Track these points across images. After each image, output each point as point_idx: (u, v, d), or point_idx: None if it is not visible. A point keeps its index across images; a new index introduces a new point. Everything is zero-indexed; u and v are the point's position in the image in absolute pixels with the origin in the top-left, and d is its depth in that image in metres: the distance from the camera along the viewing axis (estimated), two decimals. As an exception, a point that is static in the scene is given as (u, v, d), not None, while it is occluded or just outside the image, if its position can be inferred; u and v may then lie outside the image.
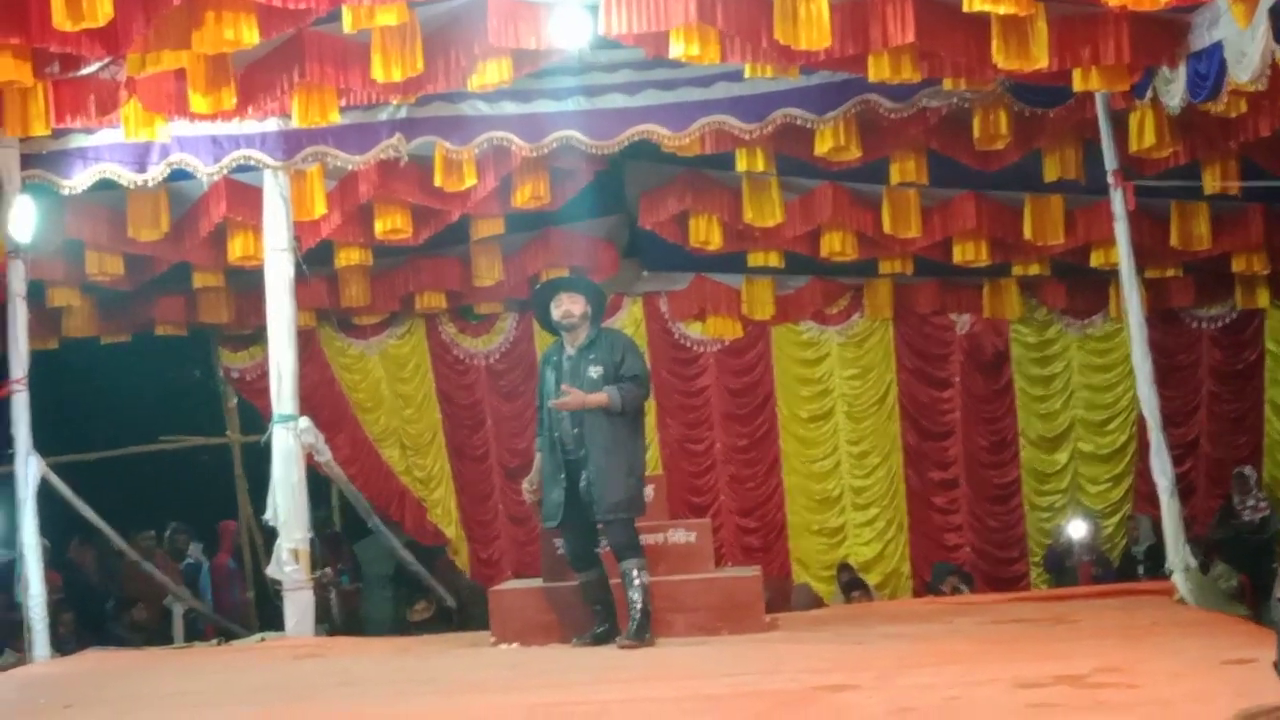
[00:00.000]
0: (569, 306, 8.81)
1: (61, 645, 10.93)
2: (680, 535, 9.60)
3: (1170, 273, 13.66)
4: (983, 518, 14.62)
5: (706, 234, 12.94)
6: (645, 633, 8.55)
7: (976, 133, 10.98)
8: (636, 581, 8.61)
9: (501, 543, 14.69)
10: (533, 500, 9.09)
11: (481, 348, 14.69)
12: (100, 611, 13.36)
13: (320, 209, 11.22)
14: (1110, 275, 12.79)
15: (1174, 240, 12.70)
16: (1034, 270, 13.86)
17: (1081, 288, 14.17)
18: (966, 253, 13.10)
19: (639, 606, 8.58)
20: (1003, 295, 14.26)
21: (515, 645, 9.08)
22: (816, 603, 12.88)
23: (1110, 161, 10.00)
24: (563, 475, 8.66)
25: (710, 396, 14.68)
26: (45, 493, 10.65)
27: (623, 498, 8.60)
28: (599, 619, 8.76)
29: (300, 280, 11.10)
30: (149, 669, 9.40)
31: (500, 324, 14.69)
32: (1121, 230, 10.04)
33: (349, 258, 12.75)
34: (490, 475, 14.74)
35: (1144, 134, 10.11)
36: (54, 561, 12.27)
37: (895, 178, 11.91)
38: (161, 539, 14.46)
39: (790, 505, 14.68)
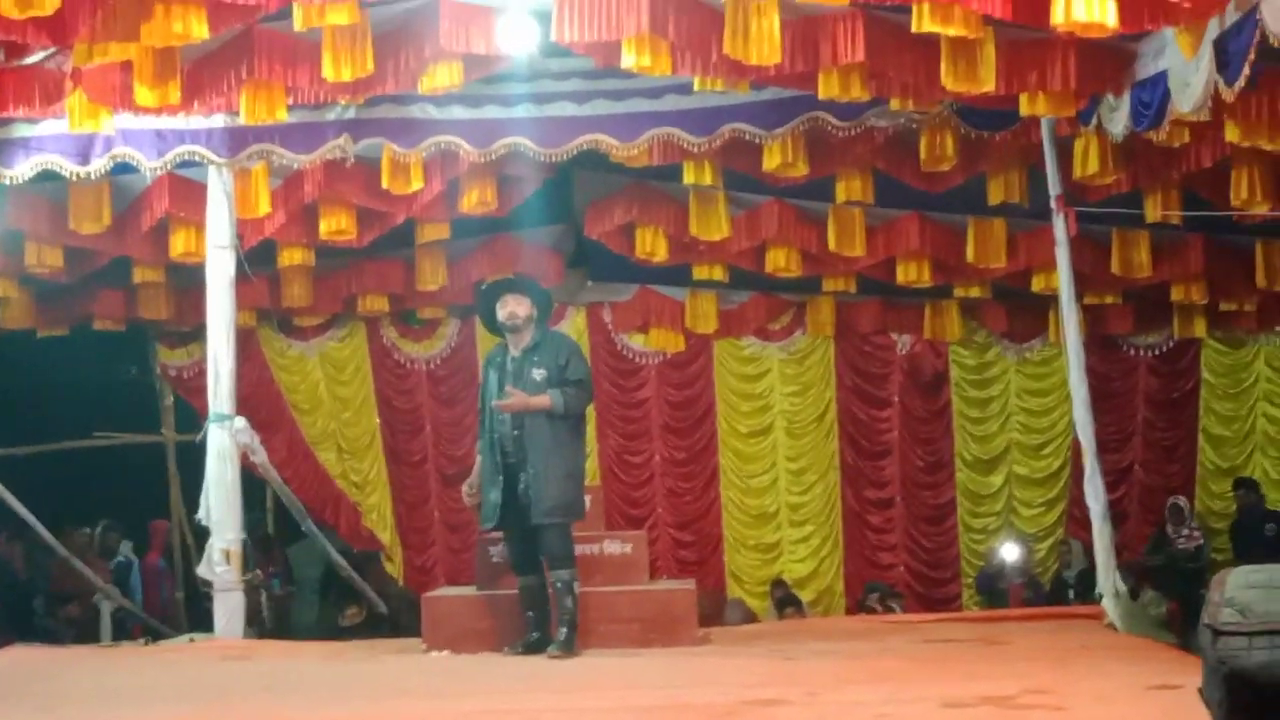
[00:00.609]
0: (514, 308, 8.78)
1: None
2: (615, 546, 9.57)
3: (1110, 299, 13.77)
4: (917, 538, 14.69)
5: (652, 246, 12.95)
6: (573, 643, 8.53)
7: (923, 154, 11.03)
8: (567, 592, 8.59)
9: (437, 549, 14.64)
10: (471, 503, 9.06)
11: (423, 352, 14.64)
12: (27, 607, 13.19)
13: (264, 207, 11.14)
14: (1050, 300, 12.89)
15: (1114, 267, 12.80)
16: (975, 293, 13.95)
17: (1021, 311, 14.27)
18: (909, 273, 13.18)
19: (569, 617, 8.56)
20: (943, 317, 14.35)
21: (446, 652, 9.02)
22: (750, 618, 12.90)
23: (1054, 187, 10.10)
24: (501, 477, 8.63)
25: (651, 409, 14.69)
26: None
27: (560, 501, 8.57)
28: (531, 625, 8.73)
29: (241, 279, 10.99)
30: (74, 666, 9.27)
31: (442, 329, 14.65)
32: (1063, 255, 10.12)
33: (292, 257, 12.68)
34: (427, 481, 14.69)
35: (1088, 160, 10.20)
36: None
37: (841, 196, 11.95)
38: (94, 536, 14.30)
39: (726, 520, 14.71)
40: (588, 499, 9.26)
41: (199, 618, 12.41)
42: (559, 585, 8.61)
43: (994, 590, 14.07)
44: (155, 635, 11.92)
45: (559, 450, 8.62)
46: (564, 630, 8.54)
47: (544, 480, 8.52)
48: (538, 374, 8.64)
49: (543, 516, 8.54)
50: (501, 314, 8.80)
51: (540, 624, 8.70)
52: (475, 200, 11.80)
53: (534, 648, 8.63)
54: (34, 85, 9.21)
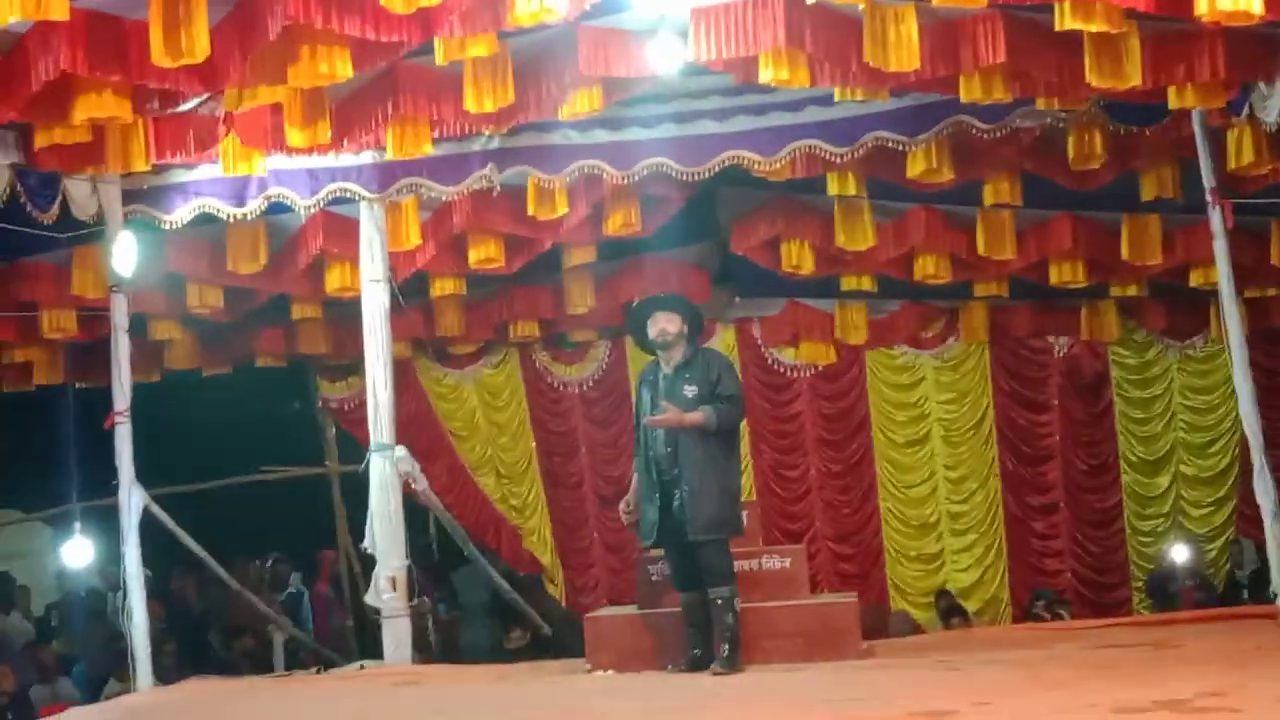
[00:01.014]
0: (665, 325, 8.81)
1: (164, 675, 11.07)
2: (774, 562, 9.55)
3: (1271, 292, 13.42)
4: (1083, 543, 14.44)
5: (798, 258, 12.91)
6: (736, 660, 8.52)
7: (1071, 152, 10.87)
8: (727, 609, 8.58)
9: (597, 570, 14.72)
10: (629, 521, 9.09)
11: (575, 375, 14.76)
12: (202, 641, 13.52)
13: (415, 239, 11.32)
14: (1210, 295, 12.56)
15: (1274, 258, 12.46)
16: (1132, 291, 13.70)
17: (1181, 308, 13.98)
18: (1063, 274, 12.97)
19: (730, 634, 8.55)
20: (1101, 317, 14.10)
21: (610, 672, 9.07)
22: (914, 629, 12.79)
23: (1208, 179, 9.87)
24: (657, 495, 8.65)
25: (804, 422, 14.63)
26: (148, 523, 10.78)
27: (715, 517, 8.55)
28: (693, 642, 8.73)
29: (396, 311, 11.19)
30: (250, 697, 9.50)
31: (593, 351, 14.75)
32: (1220, 249, 9.90)
33: (443, 288, 12.86)
34: (585, 503, 14.79)
35: (1242, 151, 9.97)
36: (156, 592, 12.44)
37: (989, 199, 11.82)
38: (264, 569, 14.63)
39: (887, 531, 14.58)
40: (744, 514, 9.26)
41: (369, 645, 12.61)
42: (719, 602, 8.60)
43: (1165, 593, 13.77)
44: (327, 664, 12.13)
45: (713, 466, 8.61)
46: (726, 647, 8.53)
47: (699, 497, 8.52)
48: (689, 390, 8.65)
49: (699, 533, 8.54)
50: (652, 331, 8.84)
51: (703, 641, 8.70)
52: (620, 222, 11.87)
53: (697, 665, 8.63)
54: (188, 131, 9.47)
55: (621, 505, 9.22)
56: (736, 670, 8.46)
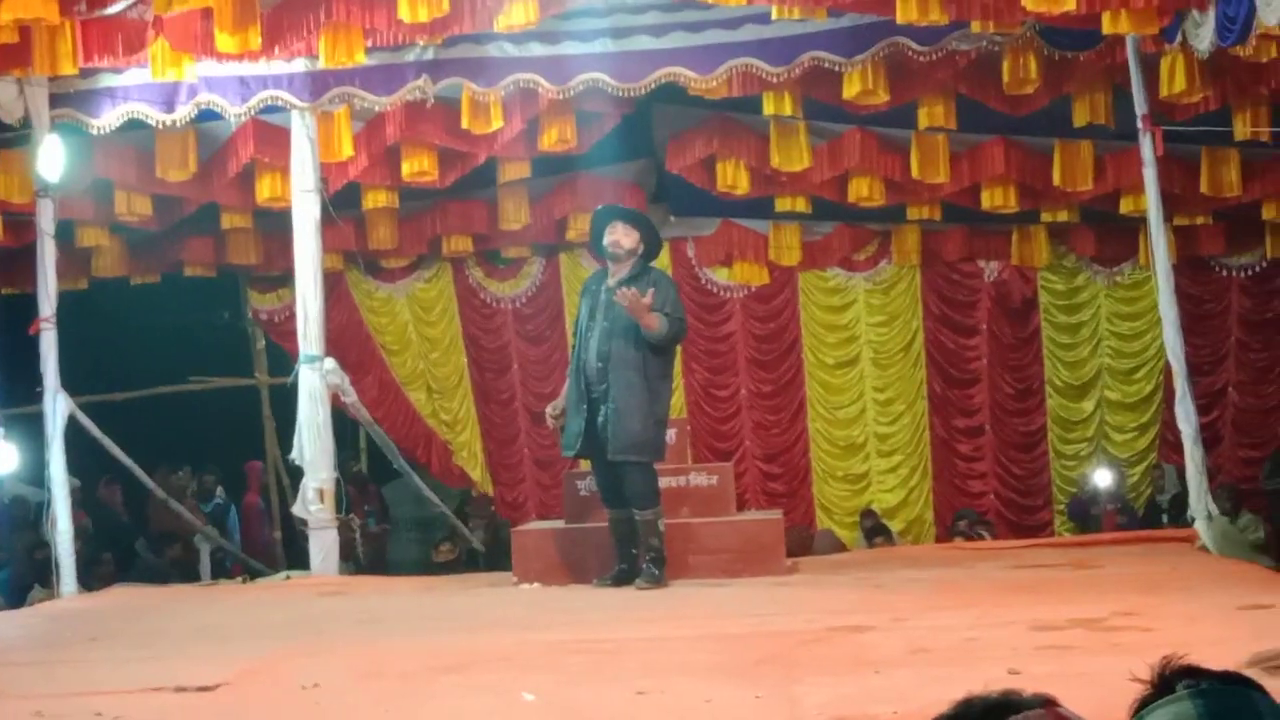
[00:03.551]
0: (620, 237, 8.78)
1: (91, 583, 11.04)
2: (702, 479, 9.63)
3: (1200, 220, 13.53)
4: (1007, 465, 14.60)
5: (734, 178, 12.91)
6: (660, 575, 8.59)
7: (1006, 77, 10.88)
8: (651, 531, 8.63)
9: (527, 485, 14.76)
10: (554, 425, 9.12)
11: (508, 292, 14.72)
12: (130, 548, 13.48)
13: (347, 151, 11.24)
14: (1140, 222, 12.64)
15: (1204, 187, 12.58)
16: (1063, 217, 13.77)
17: (1111, 235, 14.07)
18: (995, 199, 13.03)
19: (653, 555, 8.61)
20: (1031, 242, 14.18)
21: (537, 585, 9.14)
22: (839, 548, 12.92)
23: (1140, 106, 9.93)
24: (585, 406, 8.66)
25: (736, 342, 14.68)
26: (74, 432, 10.74)
27: (637, 439, 8.57)
28: (620, 557, 8.79)
29: (327, 222, 11.13)
30: (175, 604, 9.51)
31: (527, 268, 14.71)
32: (1150, 176, 9.98)
33: (376, 200, 12.79)
34: (516, 419, 14.80)
35: (1174, 78, 10.01)
36: (82, 500, 12.37)
37: (924, 122, 11.84)
38: (190, 479, 14.57)
39: (815, 451, 14.68)
40: (672, 433, 9.31)
41: (296, 556, 12.62)
42: (642, 525, 8.65)
43: (1087, 516, 13.96)
44: (253, 574, 12.15)
45: (643, 388, 8.62)
46: (650, 567, 8.60)
47: (624, 416, 8.53)
48: None
49: (618, 453, 8.57)
50: (606, 239, 8.83)
51: (628, 556, 8.77)
52: (555, 138, 11.81)
53: (623, 579, 8.71)
54: (117, 35, 9.34)
55: (549, 409, 9.23)
56: (661, 585, 8.54)
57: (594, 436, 8.63)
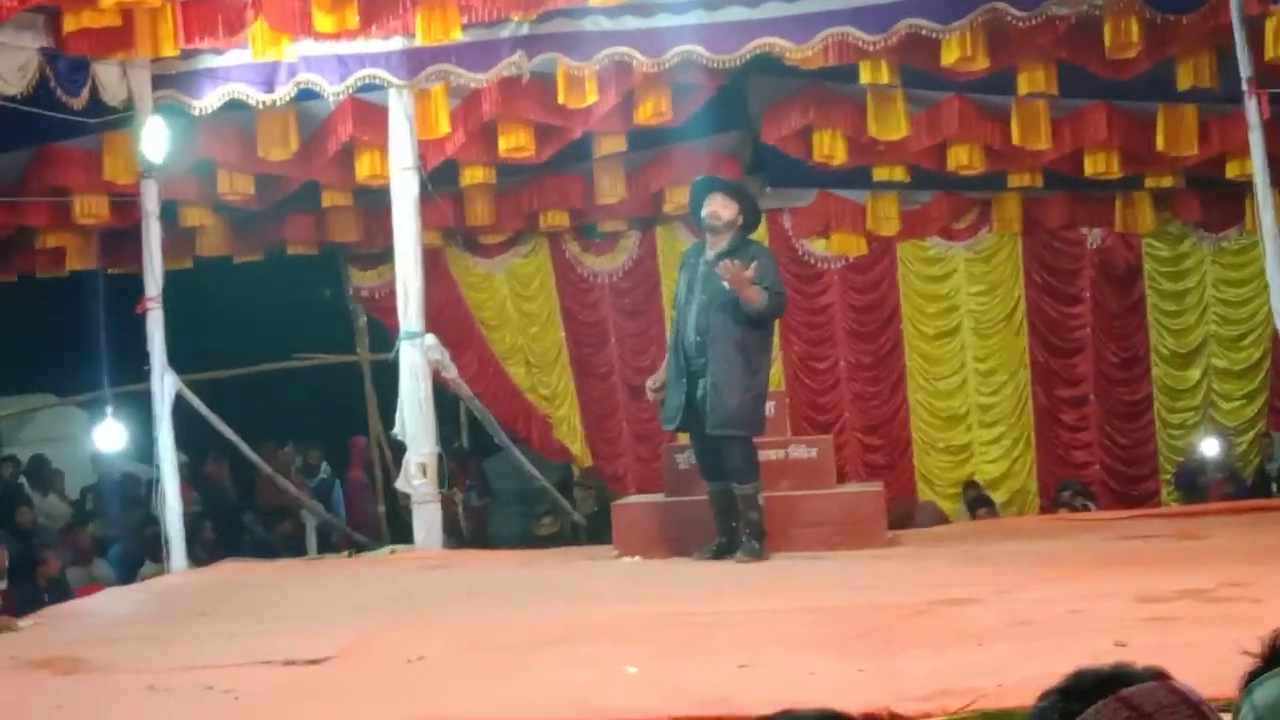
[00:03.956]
0: (717, 209, 8.73)
1: (201, 558, 11.23)
2: (801, 451, 9.60)
3: (1308, 183, 13.26)
4: (1113, 435, 14.42)
5: (830, 149, 12.80)
6: (760, 549, 8.57)
7: (1107, 41, 10.69)
8: (751, 506, 8.60)
9: (626, 459, 14.80)
10: (654, 399, 9.11)
11: (605, 266, 14.74)
12: (237, 523, 13.71)
13: (444, 128, 11.29)
14: (1246, 187, 12.41)
15: (1312, 150, 12.32)
16: (1167, 182, 13.54)
17: (1216, 200, 13.82)
18: (1097, 165, 12.82)
19: (752, 529, 8.59)
20: (1135, 208, 13.96)
21: (637, 558, 9.16)
22: (941, 520, 12.82)
23: (1245, 69, 9.71)
24: (684, 380, 8.64)
25: (834, 314, 14.60)
26: (181, 410, 10.92)
27: (735, 413, 8.52)
28: (720, 530, 8.78)
29: (426, 199, 11.19)
30: (283, 579, 9.63)
31: (623, 242, 14.72)
32: (1256, 140, 9.75)
33: (473, 176, 12.84)
34: (614, 393, 14.84)
35: (1280, 40, 9.81)
36: (190, 477, 12.59)
37: (1024, 88, 11.66)
38: (295, 455, 14.78)
39: (915, 422, 14.59)
40: (771, 406, 9.27)
41: (400, 531, 12.76)
42: (741, 499, 8.63)
43: (1194, 486, 13.77)
44: (358, 548, 12.30)
45: (741, 361, 8.57)
46: (750, 541, 8.58)
47: (722, 390, 8.49)
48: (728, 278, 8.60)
49: (717, 427, 8.54)
50: (705, 210, 8.77)
51: (728, 529, 8.75)
52: (650, 111, 11.78)
53: (723, 552, 8.69)
54: (216, 16, 9.47)
55: (648, 382, 9.22)
56: (761, 558, 8.52)
57: (693, 410, 8.61)
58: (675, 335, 8.81)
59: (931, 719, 4.34)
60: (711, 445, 8.67)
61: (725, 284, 8.50)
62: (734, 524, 8.71)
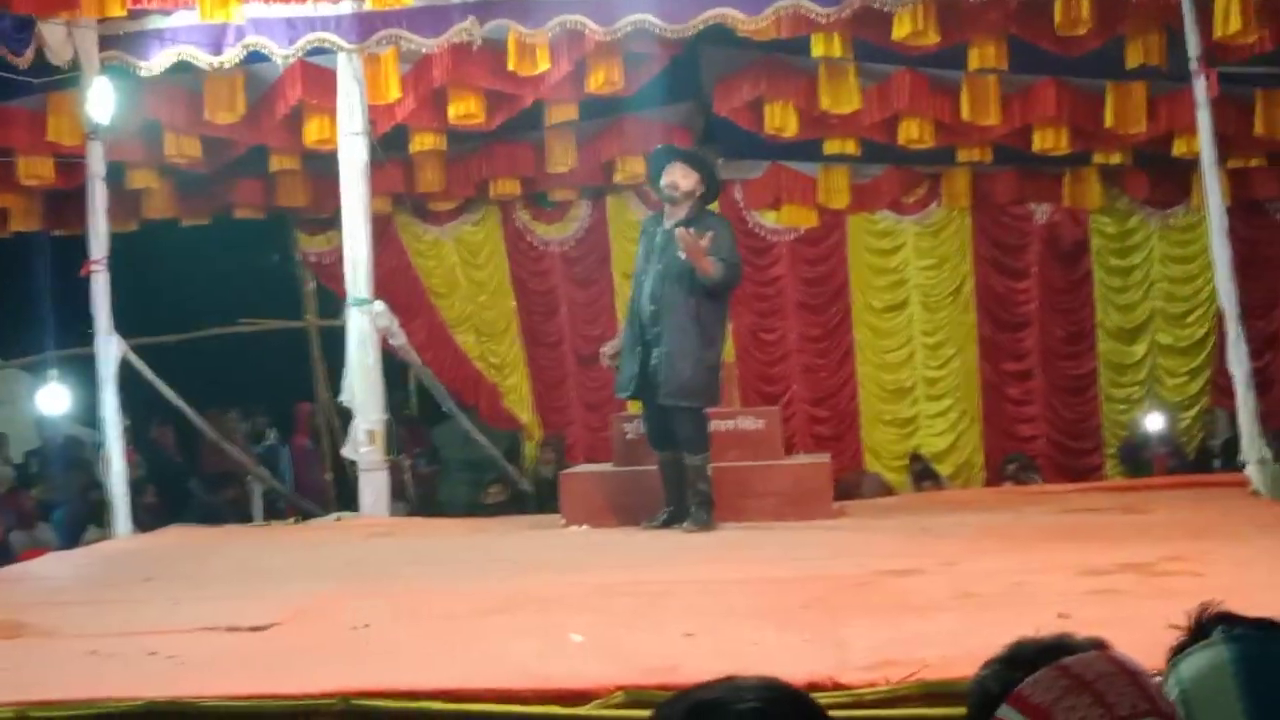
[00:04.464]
0: (678, 178, 8.69)
1: (145, 523, 11.16)
2: (749, 422, 9.63)
3: (1254, 162, 13.37)
4: (1058, 409, 14.53)
5: (782, 121, 12.80)
6: (708, 519, 8.59)
7: (1058, 17, 10.74)
8: (699, 477, 8.63)
9: (575, 429, 14.80)
10: (609, 365, 9.08)
11: (555, 235, 14.71)
12: (183, 489, 13.62)
13: (394, 93, 11.23)
14: (1193, 165, 12.48)
15: (1258, 129, 12.42)
16: (1115, 159, 13.62)
17: (1164, 177, 13.93)
18: (1046, 141, 12.89)
19: (700, 499, 8.62)
20: (1083, 185, 14.06)
21: (585, 527, 9.18)
22: (886, 492, 12.91)
23: (1193, 48, 9.77)
24: (639, 349, 8.64)
25: (784, 286, 14.63)
26: (126, 373, 10.83)
27: (688, 384, 8.53)
28: (669, 499, 8.80)
29: (375, 165, 11.13)
30: (228, 545, 9.60)
31: (574, 211, 14.69)
32: (1204, 118, 9.83)
33: (423, 143, 12.78)
34: (564, 362, 14.83)
35: (1229, 19, 9.84)
36: (135, 441, 12.49)
37: (974, 63, 11.69)
38: (241, 420, 14.69)
39: (863, 395, 14.66)
40: (721, 384, 9.27)
41: (347, 498, 12.72)
42: (691, 470, 8.65)
43: (1138, 460, 13.91)
44: (305, 514, 12.25)
45: (698, 332, 8.56)
46: (698, 511, 8.60)
47: (675, 361, 8.50)
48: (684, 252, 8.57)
49: (669, 398, 8.54)
50: (664, 180, 8.73)
51: (677, 499, 8.77)
52: (602, 80, 11.73)
53: (671, 521, 8.72)
54: (165, -24, 9.34)
55: (604, 349, 9.20)
56: (709, 529, 8.55)
57: (646, 379, 8.61)
58: (632, 304, 8.80)
59: (875, 689, 4.37)
60: (663, 414, 8.67)
61: (682, 254, 8.49)
62: (682, 494, 8.73)
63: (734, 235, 9.15)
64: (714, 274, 8.46)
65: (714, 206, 13.79)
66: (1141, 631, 2.72)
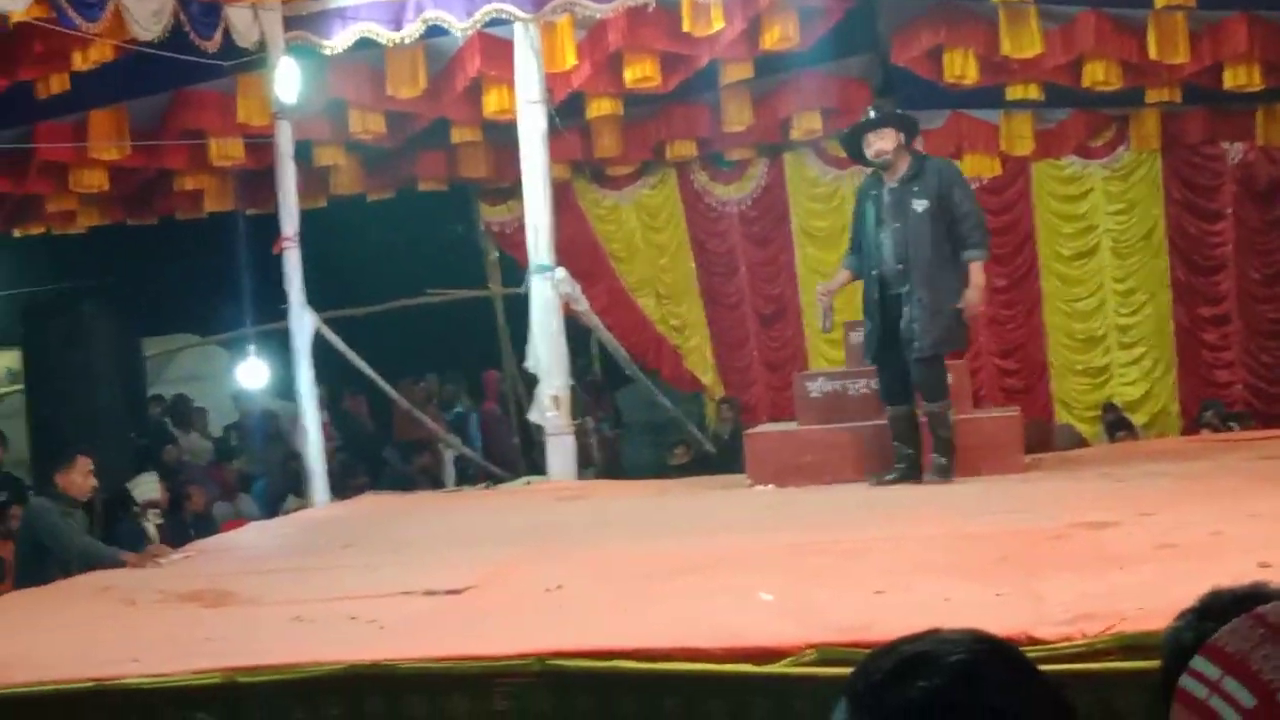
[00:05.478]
0: (880, 145, 8.55)
1: (342, 491, 11.45)
2: (936, 376, 9.47)
3: None
4: (1256, 354, 14.11)
5: (962, 68, 12.58)
6: (949, 466, 8.52)
7: (1248, -51, 10.40)
8: (942, 423, 8.56)
9: (757, 389, 14.79)
10: (825, 304, 8.94)
11: (733, 195, 14.69)
12: (378, 457, 13.94)
13: (570, 60, 11.28)
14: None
15: None
16: (1312, 93, 13.16)
17: (1363, 110, 13.39)
18: (1238, 78, 12.47)
19: (944, 445, 8.54)
20: (1277, 121, 13.57)
21: (770, 487, 9.16)
22: (1079, 443, 12.65)
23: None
24: (878, 311, 8.56)
25: (968, 236, 14.38)
26: (319, 346, 11.10)
27: (944, 334, 8.48)
28: (899, 456, 8.68)
29: (554, 133, 11.20)
30: (422, 511, 9.78)
31: (751, 170, 14.64)
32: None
33: (600, 108, 12.83)
34: (745, 322, 14.82)
35: None
36: (330, 412, 12.81)
37: (1161, 1, 11.37)
38: (432, 388, 14.97)
39: (1052, 345, 14.40)
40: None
41: (536, 462, 12.88)
42: (932, 417, 8.57)
43: (1341, 405, 13.46)
44: (495, 480, 12.44)
45: (945, 283, 8.47)
46: (940, 458, 8.52)
47: (929, 313, 8.40)
48: (919, 205, 8.41)
49: (927, 349, 8.45)
50: (870, 153, 8.59)
51: (910, 455, 8.65)
52: (777, 36, 11.65)
53: (903, 478, 8.61)
54: (344, -44, 9.51)
55: (818, 286, 9.10)
56: (949, 479, 8.45)
57: (893, 339, 8.51)
58: (869, 267, 8.65)
59: (1071, 642, 4.30)
60: (905, 369, 8.57)
61: (917, 209, 8.38)
62: (918, 449, 8.64)
63: (963, 178, 9.02)
64: (983, 259, 8.50)
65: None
66: (1350, 580, 2.63)
